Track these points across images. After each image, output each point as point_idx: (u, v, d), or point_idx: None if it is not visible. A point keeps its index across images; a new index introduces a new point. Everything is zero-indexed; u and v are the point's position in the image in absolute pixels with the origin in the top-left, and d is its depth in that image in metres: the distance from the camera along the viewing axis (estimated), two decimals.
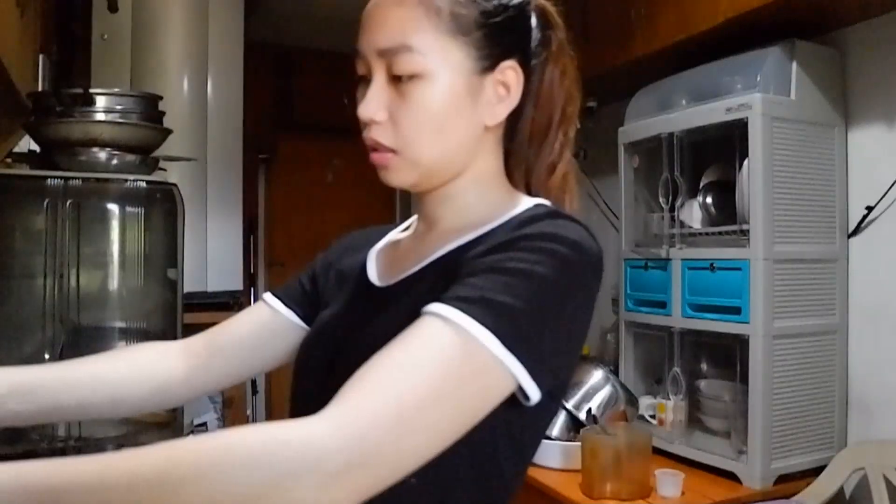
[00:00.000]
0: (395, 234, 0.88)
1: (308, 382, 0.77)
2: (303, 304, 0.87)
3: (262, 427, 0.50)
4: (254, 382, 3.68)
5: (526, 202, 0.75)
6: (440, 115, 0.69)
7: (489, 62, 0.71)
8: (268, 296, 0.89)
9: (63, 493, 0.47)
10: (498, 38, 0.71)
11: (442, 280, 0.65)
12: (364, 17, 0.71)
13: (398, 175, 0.72)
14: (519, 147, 0.79)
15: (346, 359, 0.70)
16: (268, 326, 0.87)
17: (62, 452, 0.79)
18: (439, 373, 0.55)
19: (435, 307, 0.58)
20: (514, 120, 0.76)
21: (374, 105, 0.69)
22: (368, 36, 0.70)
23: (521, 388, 0.59)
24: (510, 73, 0.72)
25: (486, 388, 0.57)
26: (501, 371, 0.57)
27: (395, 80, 0.69)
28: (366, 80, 0.72)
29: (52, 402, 0.76)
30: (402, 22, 0.68)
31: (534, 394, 0.59)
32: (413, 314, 0.60)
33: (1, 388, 0.73)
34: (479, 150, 0.74)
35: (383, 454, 0.52)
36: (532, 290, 0.59)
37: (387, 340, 0.58)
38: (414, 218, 0.88)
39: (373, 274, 0.80)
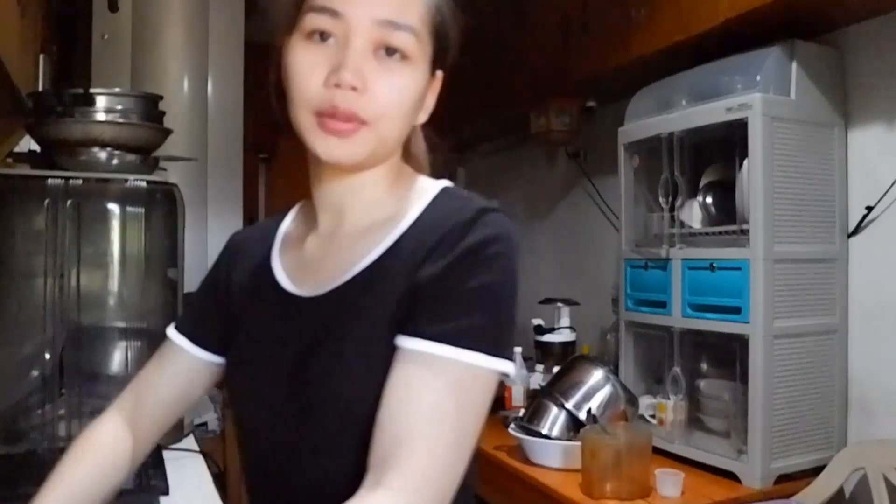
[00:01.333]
0: (285, 229, 0.85)
1: (264, 410, 0.74)
2: (213, 335, 0.84)
3: None
4: None
5: (429, 188, 0.75)
6: (411, 101, 0.71)
7: (435, 68, 0.75)
8: (177, 336, 0.86)
9: None
10: (445, 51, 0.75)
11: (382, 292, 0.68)
12: None
13: (357, 148, 0.68)
14: None
15: (312, 383, 0.69)
16: (188, 374, 0.86)
17: (62, 452, 0.80)
18: (458, 409, 0.62)
19: (424, 346, 0.63)
20: None
21: (359, 71, 0.66)
22: (368, 3, 0.67)
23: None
24: (438, 82, 0.77)
25: (487, 394, 0.66)
26: (493, 375, 0.66)
27: (380, 53, 0.68)
28: (322, 40, 0.67)
29: None
30: (411, 5, 0.69)
31: (513, 372, 0.68)
32: (365, 328, 0.67)
33: None
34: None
35: (445, 496, 0.61)
36: (493, 298, 0.66)
37: (350, 360, 0.66)
38: (298, 208, 0.87)
39: (285, 281, 0.77)
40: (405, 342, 0.64)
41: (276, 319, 0.75)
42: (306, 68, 0.67)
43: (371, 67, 0.67)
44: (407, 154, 0.81)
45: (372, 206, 0.75)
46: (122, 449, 0.85)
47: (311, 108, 0.67)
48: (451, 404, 0.62)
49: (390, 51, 0.68)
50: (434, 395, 0.62)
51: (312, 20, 0.67)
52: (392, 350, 0.65)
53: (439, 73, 0.76)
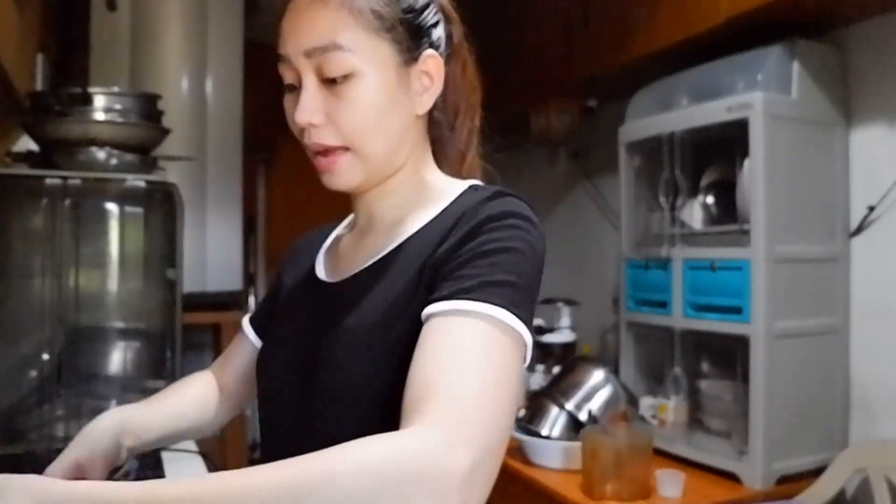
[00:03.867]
0: (338, 231, 0.91)
1: (279, 391, 0.78)
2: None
3: (378, 441, 0.53)
4: None
5: (458, 185, 0.78)
6: (378, 110, 0.72)
7: (412, 55, 0.74)
8: (246, 326, 0.95)
9: None
10: (417, 32, 0.74)
11: (396, 274, 0.71)
12: (286, 22, 0.72)
13: (347, 176, 0.74)
14: (437, 135, 0.83)
15: (320, 360, 0.72)
16: (253, 361, 0.90)
17: (59, 453, 0.80)
18: (494, 360, 0.60)
19: (445, 306, 0.62)
20: (431, 110, 0.80)
21: (309, 109, 0.71)
22: (294, 39, 0.71)
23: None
24: (431, 61, 0.75)
25: (516, 355, 0.63)
26: (517, 336, 0.63)
27: (328, 82, 0.71)
28: (294, 88, 0.73)
29: (154, 437, 0.88)
30: (329, 22, 0.70)
31: (529, 345, 0.65)
32: (373, 308, 0.69)
33: (118, 429, 0.83)
34: (414, 141, 0.78)
35: (492, 448, 0.56)
36: (513, 261, 0.65)
37: (353, 339, 0.67)
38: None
39: (321, 272, 0.83)
40: (428, 310, 0.63)
41: (305, 304, 0.81)
42: (290, 120, 0.74)
43: (326, 99, 0.71)
44: (441, 153, 0.84)
45: (400, 207, 0.79)
46: (213, 399, 0.95)
47: (307, 149, 0.74)
48: (486, 356, 0.60)
49: (335, 77, 0.70)
50: (461, 341, 0.60)
51: (280, 72, 0.74)
52: (401, 332, 0.66)
53: (428, 53, 0.75)
